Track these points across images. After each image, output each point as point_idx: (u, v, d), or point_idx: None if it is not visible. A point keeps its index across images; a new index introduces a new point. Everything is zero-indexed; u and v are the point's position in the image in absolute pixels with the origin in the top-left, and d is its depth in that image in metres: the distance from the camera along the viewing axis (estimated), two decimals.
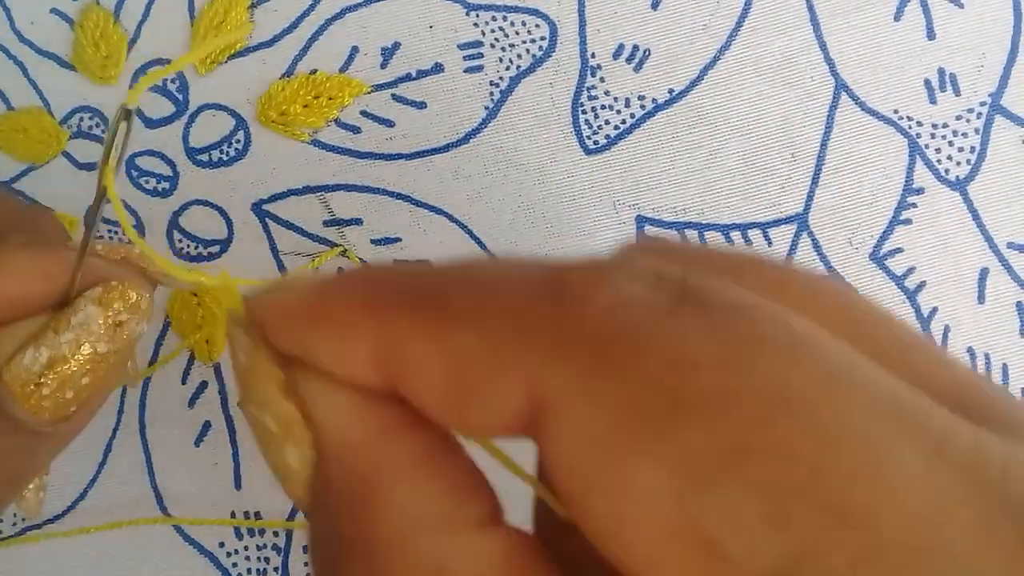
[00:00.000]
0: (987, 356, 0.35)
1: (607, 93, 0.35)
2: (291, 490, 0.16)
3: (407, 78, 0.36)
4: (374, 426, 0.15)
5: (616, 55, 0.35)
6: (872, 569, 0.11)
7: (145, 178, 0.36)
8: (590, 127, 0.35)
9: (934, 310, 0.35)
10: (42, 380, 0.21)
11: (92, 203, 0.20)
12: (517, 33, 0.35)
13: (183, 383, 0.36)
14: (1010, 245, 0.34)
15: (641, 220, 0.35)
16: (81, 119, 0.36)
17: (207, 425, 0.35)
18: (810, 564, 0.11)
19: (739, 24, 0.35)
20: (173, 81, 0.36)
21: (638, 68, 0.35)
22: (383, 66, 0.36)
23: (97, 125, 0.36)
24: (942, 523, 0.11)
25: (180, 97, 0.36)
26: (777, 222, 0.35)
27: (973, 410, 0.13)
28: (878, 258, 0.35)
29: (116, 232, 0.36)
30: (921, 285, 0.35)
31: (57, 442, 0.24)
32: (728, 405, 0.12)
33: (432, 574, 0.14)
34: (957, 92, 0.35)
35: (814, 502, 0.11)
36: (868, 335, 0.14)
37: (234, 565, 0.35)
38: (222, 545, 0.35)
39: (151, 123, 0.36)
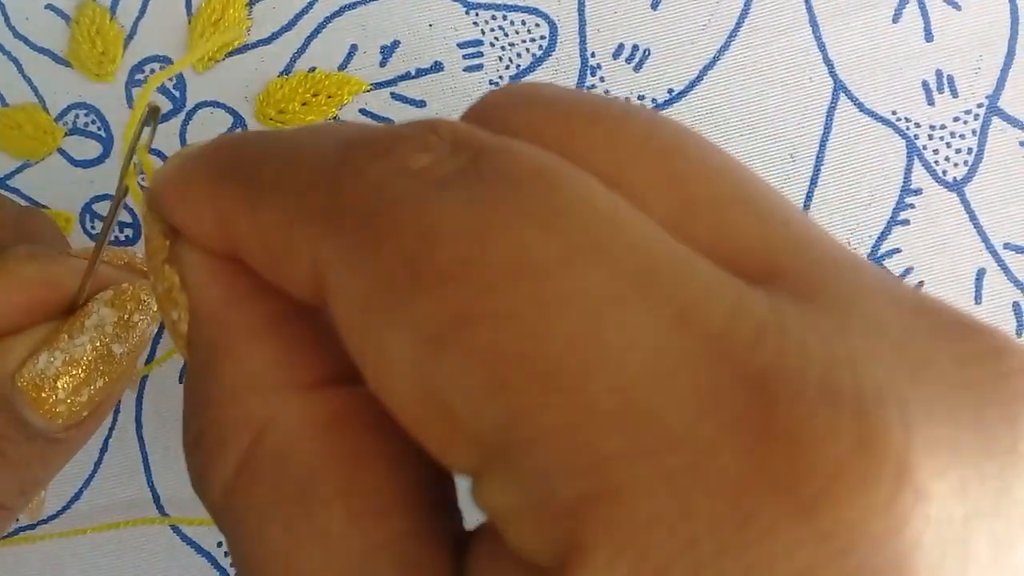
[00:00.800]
0: None
1: (607, 93, 0.35)
2: (180, 349, 0.17)
3: (406, 76, 0.35)
4: (226, 292, 0.16)
5: (616, 55, 0.35)
6: (573, 431, 0.12)
7: (142, 176, 0.35)
8: None
9: None
10: (57, 384, 0.21)
11: (110, 206, 0.20)
12: (517, 32, 0.35)
13: (180, 382, 0.35)
14: (1007, 246, 0.34)
15: None
16: (76, 116, 0.36)
17: None
18: (521, 426, 0.12)
19: (739, 25, 0.35)
20: (170, 79, 0.36)
21: (638, 68, 0.35)
22: (382, 64, 0.35)
23: (93, 122, 0.36)
24: (658, 389, 0.11)
25: (177, 95, 0.36)
26: None
27: (782, 272, 0.13)
28: (876, 258, 0.35)
29: (114, 233, 0.35)
30: (919, 286, 0.35)
31: (67, 450, 0.24)
32: (462, 275, 0.13)
33: (254, 430, 0.15)
34: (955, 94, 0.35)
35: (527, 368, 0.12)
36: (685, 190, 0.14)
37: (232, 565, 0.35)
38: (220, 545, 0.35)
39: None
